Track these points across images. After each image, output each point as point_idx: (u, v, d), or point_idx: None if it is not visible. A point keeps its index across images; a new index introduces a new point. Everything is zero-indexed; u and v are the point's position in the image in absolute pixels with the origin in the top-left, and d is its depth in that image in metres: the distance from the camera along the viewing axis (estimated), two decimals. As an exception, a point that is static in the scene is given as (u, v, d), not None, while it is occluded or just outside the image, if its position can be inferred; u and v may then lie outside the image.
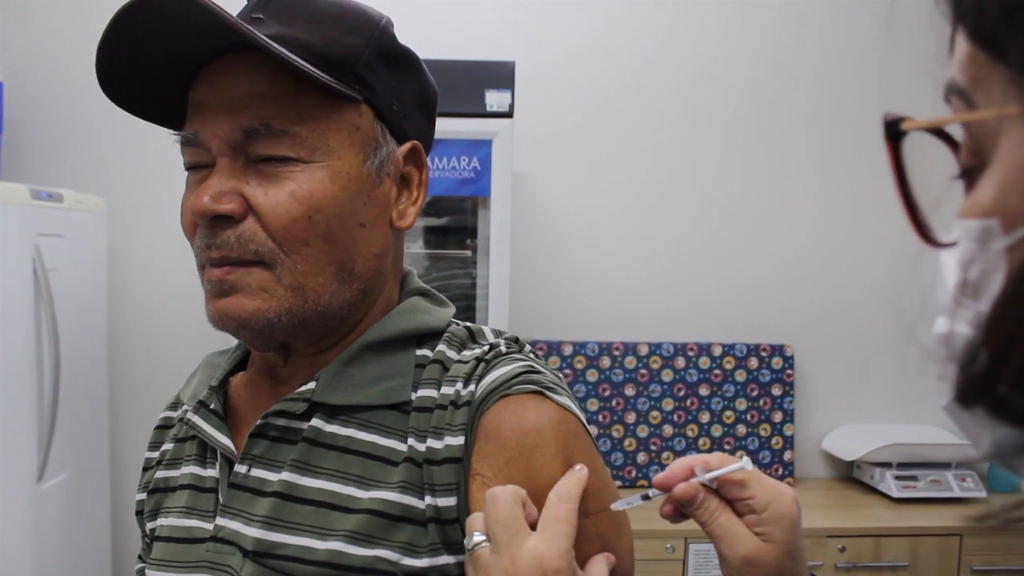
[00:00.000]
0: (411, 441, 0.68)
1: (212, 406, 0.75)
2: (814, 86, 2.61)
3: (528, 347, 0.78)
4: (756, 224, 2.63)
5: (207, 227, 0.67)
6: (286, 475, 0.69)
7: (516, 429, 0.66)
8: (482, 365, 0.70)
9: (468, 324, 0.77)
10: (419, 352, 0.73)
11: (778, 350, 2.59)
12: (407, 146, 0.73)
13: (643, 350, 2.55)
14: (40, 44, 2.48)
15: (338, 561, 0.64)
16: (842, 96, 2.61)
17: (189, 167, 0.70)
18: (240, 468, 0.71)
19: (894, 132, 0.39)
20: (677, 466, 0.63)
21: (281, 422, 0.71)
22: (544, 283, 2.59)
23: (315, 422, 0.70)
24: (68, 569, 2.10)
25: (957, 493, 2.36)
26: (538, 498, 0.64)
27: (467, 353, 0.73)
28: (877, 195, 2.63)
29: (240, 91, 0.66)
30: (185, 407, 0.79)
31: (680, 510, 0.63)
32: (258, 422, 0.71)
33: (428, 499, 0.66)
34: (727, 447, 2.53)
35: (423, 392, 0.70)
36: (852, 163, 2.63)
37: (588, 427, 0.71)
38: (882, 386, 2.68)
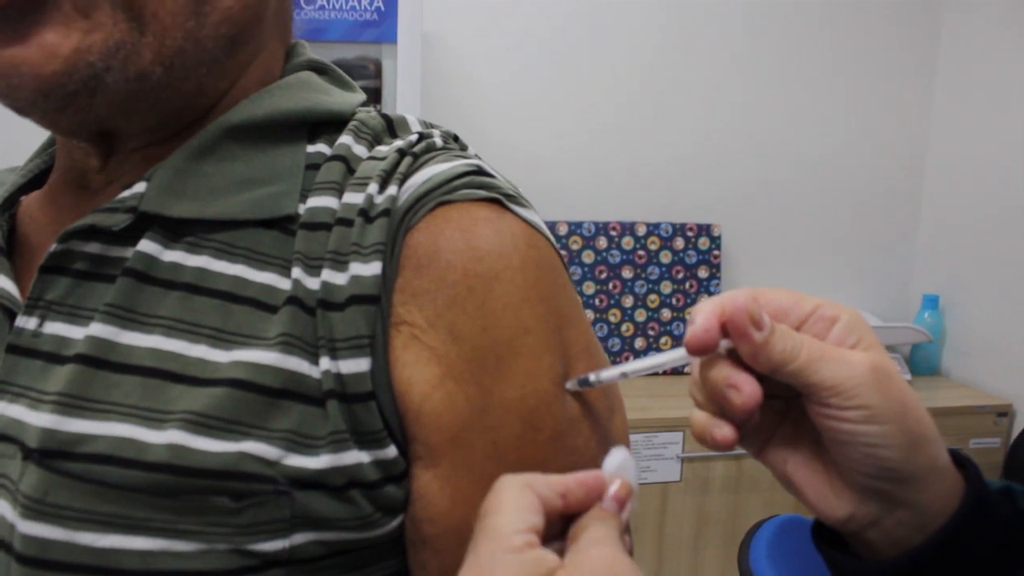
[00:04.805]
0: (297, 273, 0.43)
1: None
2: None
3: (473, 151, 0.54)
4: (683, 98, 2.43)
5: None
6: (97, 328, 0.43)
7: (463, 252, 0.42)
8: (407, 160, 0.46)
9: (386, 112, 0.52)
10: (311, 148, 0.48)
11: (705, 230, 2.44)
12: None
13: (562, 229, 2.34)
14: None
15: (180, 462, 0.40)
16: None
17: None
18: (25, 322, 0.45)
19: None
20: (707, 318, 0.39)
21: (93, 248, 0.45)
22: (456, 155, 2.33)
23: (145, 246, 0.44)
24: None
25: (882, 376, 2.30)
26: (497, 359, 0.42)
27: (383, 148, 0.48)
28: (806, 69, 2.46)
29: None
30: None
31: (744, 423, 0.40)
32: (53, 247, 0.45)
33: (325, 362, 0.42)
34: (651, 332, 2.38)
35: (316, 201, 0.45)
36: (781, 34, 2.44)
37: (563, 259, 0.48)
38: (811, 268, 2.58)
